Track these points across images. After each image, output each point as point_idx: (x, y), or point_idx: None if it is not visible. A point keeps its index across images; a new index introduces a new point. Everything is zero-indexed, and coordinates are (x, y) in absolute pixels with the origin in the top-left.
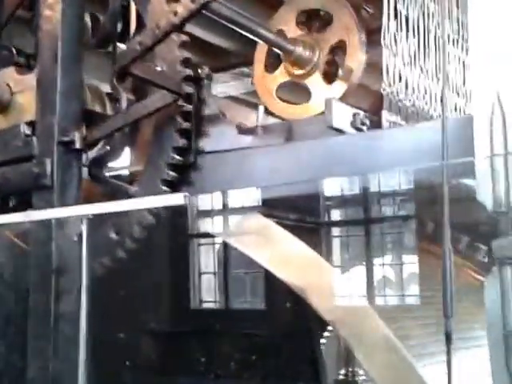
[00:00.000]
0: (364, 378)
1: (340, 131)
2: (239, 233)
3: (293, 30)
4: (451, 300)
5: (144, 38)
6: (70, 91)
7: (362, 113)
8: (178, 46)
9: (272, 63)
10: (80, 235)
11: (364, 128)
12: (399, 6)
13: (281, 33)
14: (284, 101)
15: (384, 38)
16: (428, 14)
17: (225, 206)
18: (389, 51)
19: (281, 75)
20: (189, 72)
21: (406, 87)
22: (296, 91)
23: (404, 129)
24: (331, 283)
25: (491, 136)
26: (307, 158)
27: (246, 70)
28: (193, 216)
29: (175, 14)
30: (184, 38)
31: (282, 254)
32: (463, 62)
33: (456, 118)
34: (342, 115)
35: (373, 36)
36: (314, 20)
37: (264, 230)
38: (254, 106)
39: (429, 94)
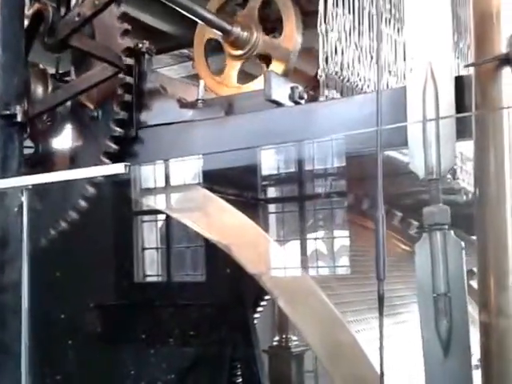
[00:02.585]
0: (296, 343)
1: (278, 104)
2: (179, 204)
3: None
4: (384, 264)
5: (83, 8)
6: (11, 65)
7: (300, 86)
8: (117, 18)
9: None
10: (20, 206)
11: (302, 102)
12: None
13: None
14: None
15: (319, 14)
16: None
17: (167, 177)
18: (325, 26)
19: (230, 67)
20: (128, 44)
21: (342, 63)
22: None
23: (340, 101)
24: (269, 254)
25: (424, 103)
26: (246, 130)
27: (186, 51)
28: (135, 187)
29: None
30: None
31: (220, 224)
32: (395, 41)
33: (390, 89)
34: (281, 88)
35: (309, 19)
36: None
37: (204, 202)
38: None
39: (363, 70)
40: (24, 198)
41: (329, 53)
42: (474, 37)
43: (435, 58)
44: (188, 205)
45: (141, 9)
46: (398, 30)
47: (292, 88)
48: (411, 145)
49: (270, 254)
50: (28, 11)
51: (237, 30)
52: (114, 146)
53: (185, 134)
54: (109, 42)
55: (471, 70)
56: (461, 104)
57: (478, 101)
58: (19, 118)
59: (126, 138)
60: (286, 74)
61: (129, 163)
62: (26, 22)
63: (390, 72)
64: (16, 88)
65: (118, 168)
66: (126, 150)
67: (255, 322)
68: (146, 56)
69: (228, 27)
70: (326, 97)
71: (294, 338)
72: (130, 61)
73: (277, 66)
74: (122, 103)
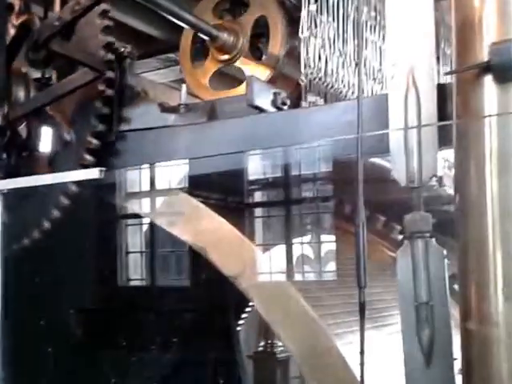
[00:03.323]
0: (282, 348)
1: (261, 110)
2: (163, 211)
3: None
4: (364, 272)
5: (63, 13)
6: None
7: (282, 92)
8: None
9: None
10: None
11: (285, 107)
12: None
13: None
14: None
15: (303, 20)
16: None
17: (147, 181)
18: (308, 33)
19: (210, 64)
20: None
21: (325, 69)
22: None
23: (322, 107)
24: (253, 261)
25: (405, 111)
26: (228, 136)
27: (172, 55)
28: (112, 191)
29: None
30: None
31: (198, 227)
32: (380, 48)
33: (372, 96)
34: (263, 94)
35: (296, 25)
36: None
37: (188, 209)
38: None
39: (347, 77)
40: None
41: (312, 59)
42: (456, 44)
43: (417, 64)
44: (166, 208)
45: (128, 13)
46: (383, 36)
47: (275, 94)
48: (393, 152)
49: (248, 258)
50: (16, 21)
51: (223, 35)
52: (96, 143)
53: (166, 139)
54: (90, 45)
55: (454, 78)
56: (443, 112)
57: (459, 109)
58: None
59: (105, 142)
60: (273, 80)
61: (104, 168)
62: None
63: (374, 79)
64: None
65: (93, 173)
66: (105, 153)
67: (240, 326)
68: (128, 60)
69: (215, 33)
70: (310, 103)
71: (280, 343)
72: (110, 60)
73: (263, 72)
74: (102, 106)
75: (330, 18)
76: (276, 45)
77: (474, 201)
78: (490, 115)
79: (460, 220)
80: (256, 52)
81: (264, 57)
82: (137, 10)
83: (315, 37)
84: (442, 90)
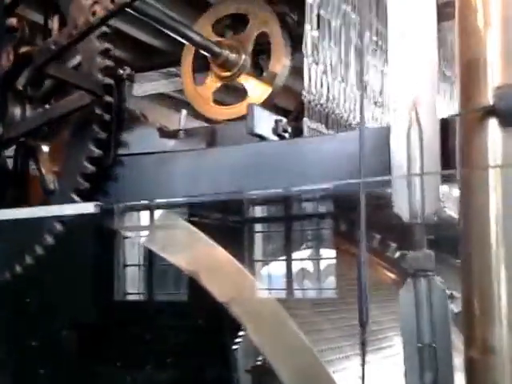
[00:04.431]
0: None
1: (261, 138)
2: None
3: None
4: (367, 309)
5: (60, 37)
6: None
7: (284, 119)
8: (98, 41)
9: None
10: None
11: (286, 135)
12: (322, 13)
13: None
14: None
15: (305, 46)
16: (349, 24)
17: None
18: (310, 59)
19: (212, 81)
20: (108, 71)
21: (327, 95)
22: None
23: (324, 137)
24: (246, 288)
25: (408, 145)
26: (228, 163)
27: (173, 69)
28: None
29: (94, 13)
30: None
31: (196, 256)
32: (381, 72)
33: (374, 128)
34: (264, 121)
35: (297, 41)
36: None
37: (187, 238)
38: (179, 107)
39: (348, 102)
40: None
41: (313, 85)
42: (460, 84)
43: (420, 99)
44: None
45: (129, 23)
46: (385, 60)
47: (276, 121)
48: (395, 187)
49: (241, 284)
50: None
51: (226, 52)
52: (91, 168)
53: (164, 165)
54: (87, 61)
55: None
56: (446, 147)
57: (463, 150)
58: None
59: (102, 167)
60: (272, 97)
61: (100, 203)
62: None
63: (375, 103)
64: None
65: (88, 207)
66: (102, 178)
67: (238, 340)
68: (127, 82)
69: (217, 50)
70: (311, 130)
71: None
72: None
73: (264, 89)
74: (100, 130)
75: (332, 43)
76: (277, 61)
77: (477, 229)
78: (495, 166)
79: (463, 246)
80: (257, 68)
81: (265, 73)
82: (138, 20)
83: (317, 63)
84: (445, 125)
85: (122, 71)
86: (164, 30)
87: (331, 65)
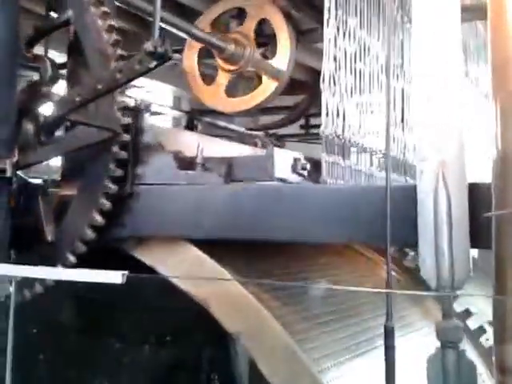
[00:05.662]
0: None
1: (282, 180)
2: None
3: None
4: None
5: (84, 91)
6: (2, 116)
7: (302, 157)
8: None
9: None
10: (8, 296)
11: (305, 173)
12: (339, 42)
13: None
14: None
15: (323, 80)
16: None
17: None
18: (328, 92)
19: (221, 77)
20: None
21: (343, 126)
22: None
23: (346, 187)
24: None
25: (435, 208)
26: (244, 199)
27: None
28: None
29: (120, 71)
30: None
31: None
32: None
33: (400, 185)
34: (283, 162)
35: (303, 37)
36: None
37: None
38: None
39: (363, 127)
40: (12, 289)
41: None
42: (493, 84)
43: (447, 160)
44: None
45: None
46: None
47: (295, 160)
48: (422, 250)
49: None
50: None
51: (231, 47)
52: (107, 204)
53: (181, 196)
54: (106, 102)
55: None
56: (475, 211)
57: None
58: (8, 173)
59: (120, 196)
60: (278, 92)
61: (126, 272)
62: None
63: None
64: (6, 142)
65: (115, 277)
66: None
67: None
68: (144, 113)
69: (222, 45)
70: (328, 164)
71: None
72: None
73: (269, 84)
74: (116, 161)
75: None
76: (282, 58)
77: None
78: None
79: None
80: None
81: (271, 61)
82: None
83: (333, 95)
84: (474, 189)
85: (139, 102)
86: (171, 28)
87: (347, 93)
